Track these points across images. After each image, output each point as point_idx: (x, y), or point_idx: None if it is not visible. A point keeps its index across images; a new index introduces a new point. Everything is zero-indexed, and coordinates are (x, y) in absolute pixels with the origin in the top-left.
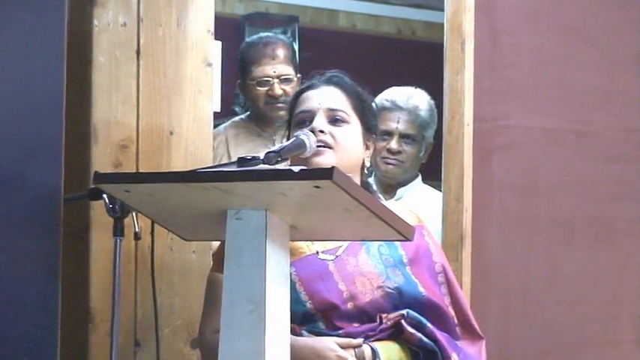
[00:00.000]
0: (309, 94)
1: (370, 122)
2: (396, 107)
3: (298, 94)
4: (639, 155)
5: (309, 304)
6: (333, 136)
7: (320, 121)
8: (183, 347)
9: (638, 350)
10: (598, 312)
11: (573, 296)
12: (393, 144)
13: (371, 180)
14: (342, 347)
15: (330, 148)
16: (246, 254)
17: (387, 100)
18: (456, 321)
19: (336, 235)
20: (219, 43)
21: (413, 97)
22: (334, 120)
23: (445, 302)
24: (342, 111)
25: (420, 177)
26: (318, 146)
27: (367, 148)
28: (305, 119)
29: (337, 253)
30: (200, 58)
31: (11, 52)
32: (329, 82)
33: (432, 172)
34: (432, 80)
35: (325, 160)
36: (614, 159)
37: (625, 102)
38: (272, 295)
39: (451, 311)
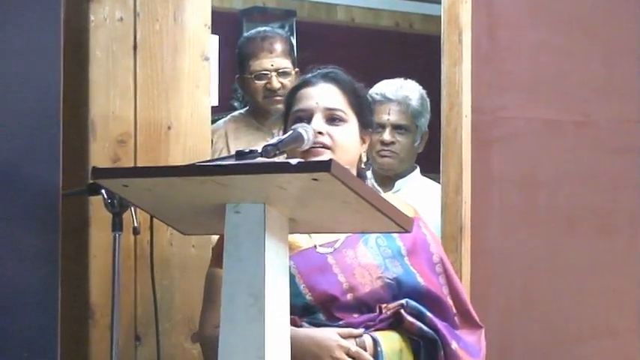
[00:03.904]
0: (307, 91)
1: (366, 117)
2: (386, 99)
3: (295, 90)
4: (639, 146)
5: (308, 297)
6: (331, 137)
7: (318, 122)
8: (184, 341)
9: (638, 341)
10: (599, 303)
11: (574, 287)
12: (386, 135)
13: (369, 173)
14: (343, 337)
15: (328, 149)
16: (245, 248)
17: (377, 94)
18: (454, 310)
19: (334, 227)
20: (216, 38)
21: (402, 88)
22: (332, 119)
23: (443, 292)
24: (339, 110)
25: (418, 169)
26: (316, 147)
27: (363, 142)
28: (302, 118)
29: (335, 246)
30: (197, 52)
31: (8, 49)
32: (326, 78)
33: (430, 163)
34: (430, 73)
35: (324, 159)
36: (613, 150)
37: (624, 93)
38: (271, 288)
39: (449, 301)
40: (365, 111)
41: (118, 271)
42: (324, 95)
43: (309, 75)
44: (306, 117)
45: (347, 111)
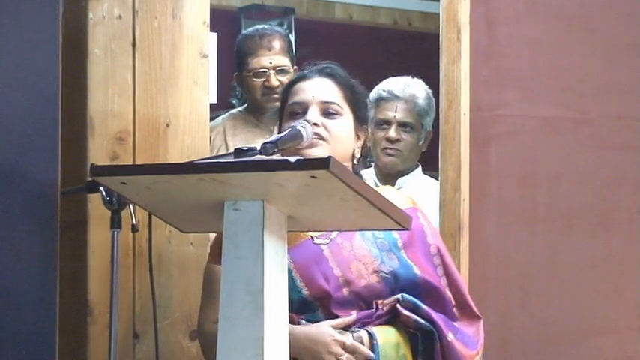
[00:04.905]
0: (302, 85)
1: (362, 113)
2: (393, 96)
3: (291, 85)
4: (638, 143)
5: (304, 291)
6: (326, 129)
7: (313, 114)
8: (182, 339)
9: (638, 339)
10: (598, 301)
11: (573, 285)
12: (392, 132)
13: (370, 171)
14: (338, 328)
15: (323, 140)
16: (243, 245)
17: (384, 90)
18: (453, 302)
19: (333, 225)
20: (214, 35)
21: (410, 86)
22: (327, 112)
23: (442, 283)
24: (335, 103)
25: (420, 167)
26: (312, 138)
27: (358, 138)
28: (298, 111)
29: (332, 237)
30: (196, 49)
31: (7, 47)
32: (322, 73)
33: (429, 162)
34: (429, 70)
35: (319, 152)
36: (612, 147)
37: (623, 90)
38: (270, 286)
39: (448, 292)
40: (360, 106)
41: (116, 268)
42: (319, 88)
43: (305, 70)
44: (302, 110)
45: (342, 104)
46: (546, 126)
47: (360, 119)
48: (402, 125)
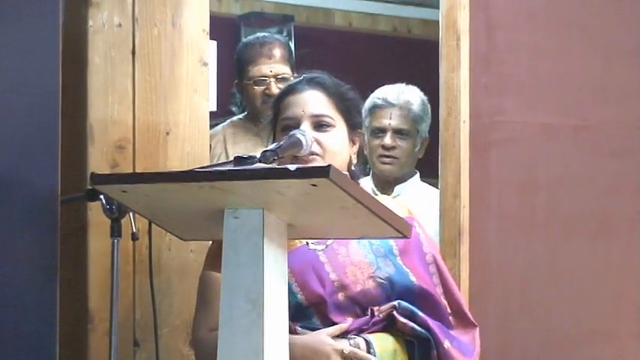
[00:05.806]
0: (293, 99)
1: (354, 119)
2: (387, 104)
3: (281, 98)
4: (638, 149)
5: (300, 296)
6: (319, 144)
7: (306, 130)
8: (182, 347)
9: (638, 345)
10: (598, 307)
11: (573, 291)
12: (387, 140)
13: (367, 178)
14: (334, 335)
15: (318, 156)
16: (243, 253)
17: (378, 98)
18: (448, 310)
19: (333, 232)
20: (214, 43)
21: (404, 93)
22: (319, 125)
23: (437, 291)
24: (326, 116)
25: (417, 174)
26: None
27: (353, 143)
28: (290, 126)
29: (327, 243)
30: (196, 57)
31: (7, 54)
32: (311, 84)
33: (429, 168)
34: (428, 78)
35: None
36: (612, 153)
37: (623, 96)
38: (270, 294)
39: (444, 300)
40: (353, 112)
41: (116, 276)
42: (309, 102)
43: (295, 81)
44: (294, 125)
45: (334, 115)
46: (546, 132)
47: (353, 125)
48: (397, 132)
